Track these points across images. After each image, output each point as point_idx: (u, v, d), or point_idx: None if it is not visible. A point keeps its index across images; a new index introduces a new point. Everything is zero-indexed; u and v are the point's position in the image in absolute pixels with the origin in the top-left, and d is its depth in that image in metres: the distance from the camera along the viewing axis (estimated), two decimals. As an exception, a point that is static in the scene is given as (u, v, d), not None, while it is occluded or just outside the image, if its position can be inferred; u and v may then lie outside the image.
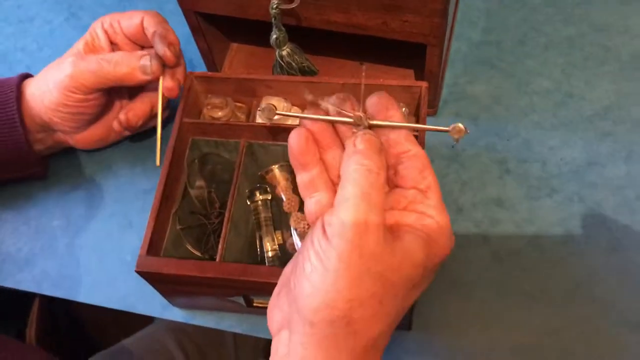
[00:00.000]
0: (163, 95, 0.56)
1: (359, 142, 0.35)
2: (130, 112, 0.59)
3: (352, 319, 0.32)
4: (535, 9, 0.70)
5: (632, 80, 0.64)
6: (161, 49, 0.54)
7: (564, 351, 0.51)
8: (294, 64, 0.55)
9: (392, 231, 0.34)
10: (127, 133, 0.62)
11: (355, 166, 0.34)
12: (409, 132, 0.37)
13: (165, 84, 0.55)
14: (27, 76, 0.59)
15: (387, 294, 0.33)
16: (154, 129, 0.61)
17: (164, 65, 0.55)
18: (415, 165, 0.36)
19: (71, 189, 0.64)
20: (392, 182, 0.37)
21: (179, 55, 0.56)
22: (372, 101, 0.37)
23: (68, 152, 0.65)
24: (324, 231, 0.33)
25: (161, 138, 0.55)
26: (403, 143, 0.36)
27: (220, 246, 0.49)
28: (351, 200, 0.33)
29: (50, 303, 0.96)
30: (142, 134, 0.64)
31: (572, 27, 0.68)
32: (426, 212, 0.35)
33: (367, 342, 0.33)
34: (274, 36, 0.53)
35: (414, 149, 0.36)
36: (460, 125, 0.37)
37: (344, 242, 0.32)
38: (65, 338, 0.98)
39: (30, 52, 0.74)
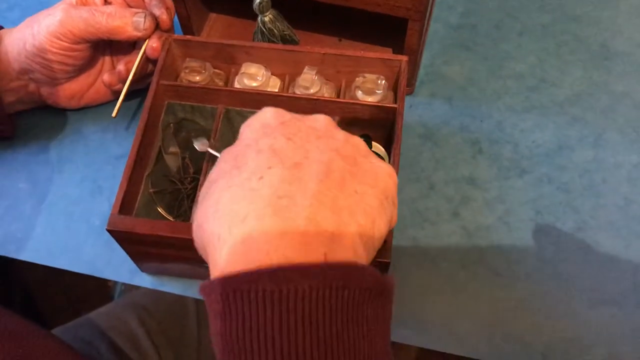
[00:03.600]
0: (145, 55, 0.56)
1: None
2: (130, 64, 0.58)
3: None
4: (511, -4, 0.71)
5: (600, 69, 0.66)
6: (158, 10, 0.55)
7: (527, 325, 0.53)
8: (275, 31, 0.55)
9: None
10: (116, 88, 0.61)
11: None
12: None
13: (151, 43, 0.55)
14: None
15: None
16: (135, 92, 0.61)
17: (157, 27, 0.56)
18: None
19: (39, 151, 0.62)
20: None
21: (172, 21, 0.57)
22: None
23: (37, 113, 0.63)
24: None
25: (126, 93, 0.56)
26: None
27: (194, 209, 0.48)
28: None
29: (5, 273, 0.93)
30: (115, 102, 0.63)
31: (547, 15, 0.70)
32: None
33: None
34: (257, 0, 0.53)
35: None
36: None
37: None
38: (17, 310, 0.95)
39: (-1, 11, 0.72)
